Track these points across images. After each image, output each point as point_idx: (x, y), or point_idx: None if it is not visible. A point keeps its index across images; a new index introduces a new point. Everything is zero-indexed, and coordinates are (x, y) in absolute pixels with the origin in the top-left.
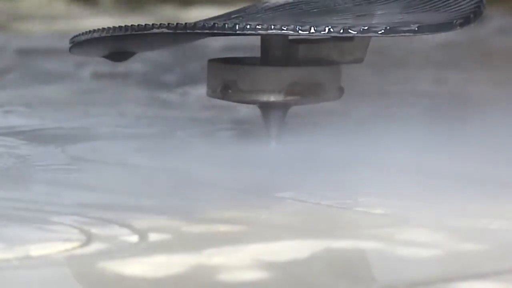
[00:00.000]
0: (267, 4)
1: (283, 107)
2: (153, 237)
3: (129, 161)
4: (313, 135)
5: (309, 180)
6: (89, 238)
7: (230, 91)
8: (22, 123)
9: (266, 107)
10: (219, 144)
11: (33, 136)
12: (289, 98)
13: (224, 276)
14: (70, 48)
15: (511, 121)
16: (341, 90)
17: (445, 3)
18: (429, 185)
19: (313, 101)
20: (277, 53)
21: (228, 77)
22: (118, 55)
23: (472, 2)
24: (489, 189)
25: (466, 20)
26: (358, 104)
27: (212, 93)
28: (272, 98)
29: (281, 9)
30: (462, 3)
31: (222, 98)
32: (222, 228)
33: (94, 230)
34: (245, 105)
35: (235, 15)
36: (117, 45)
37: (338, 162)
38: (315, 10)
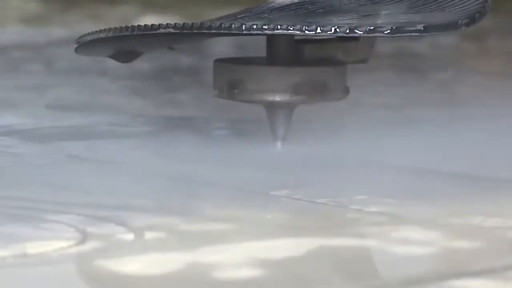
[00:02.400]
0: (273, 4)
1: (289, 106)
2: (148, 235)
3: (125, 159)
4: (309, 134)
5: (304, 178)
6: (85, 236)
7: (236, 90)
8: (19, 122)
9: (272, 107)
10: (215, 143)
11: (30, 135)
12: (295, 97)
13: (219, 274)
14: (76, 49)
15: (504, 121)
16: (346, 90)
17: (450, 3)
18: (423, 183)
19: (319, 100)
20: (283, 53)
21: (234, 77)
22: (125, 56)
23: (477, 2)
24: (483, 187)
25: (472, 20)
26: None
27: (218, 93)
28: (278, 97)
29: (286, 9)
30: (467, 3)
31: (229, 98)
32: (217, 226)
33: (90, 229)
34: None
35: (241, 15)
36: (123, 45)
37: (334, 161)
38: (320, 10)
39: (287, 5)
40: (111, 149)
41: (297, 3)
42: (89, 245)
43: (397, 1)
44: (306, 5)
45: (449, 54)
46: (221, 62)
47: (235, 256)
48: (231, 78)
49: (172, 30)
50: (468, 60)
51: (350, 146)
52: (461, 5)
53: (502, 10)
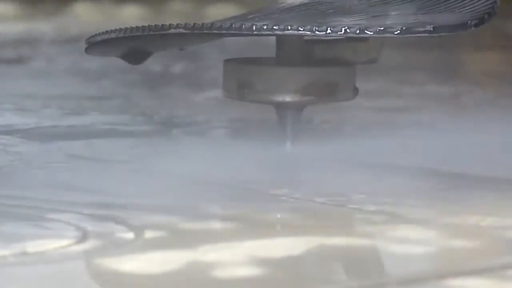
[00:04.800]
0: (283, 5)
1: (299, 107)
2: (148, 234)
3: (125, 159)
4: (308, 134)
5: (303, 178)
6: (85, 235)
7: (246, 91)
8: (19, 121)
9: (281, 107)
10: (214, 142)
11: (30, 134)
12: (304, 98)
13: (219, 273)
14: (86, 49)
15: (503, 120)
16: (355, 90)
17: (459, 3)
18: (421, 183)
19: (328, 101)
20: (292, 54)
21: (244, 78)
22: (135, 56)
23: (487, 3)
24: (481, 187)
25: (481, 21)
26: None
27: (228, 94)
28: (288, 98)
29: (296, 10)
30: (477, 3)
31: (238, 99)
32: (217, 225)
33: (90, 227)
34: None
35: (251, 16)
36: (134, 46)
37: (334, 160)
38: (330, 10)
39: (297, 6)
40: (111, 148)
41: (307, 3)
42: (89, 244)
43: (407, 2)
44: (316, 6)
45: None
46: (230, 62)
47: (235, 255)
48: (240, 78)
49: (182, 30)
50: None
51: (351, 146)
52: (470, 6)
53: None
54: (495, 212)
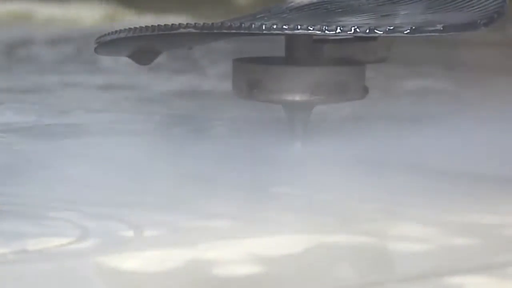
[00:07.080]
0: (292, 4)
1: (308, 106)
2: (148, 232)
3: (125, 157)
4: (308, 132)
5: (303, 175)
6: (85, 233)
7: (255, 90)
8: (19, 120)
9: (291, 107)
10: (213, 141)
11: (31, 133)
12: (314, 97)
13: (219, 270)
14: (96, 48)
15: (502, 118)
16: (365, 90)
17: (468, 3)
18: (421, 180)
19: (338, 100)
20: (302, 53)
21: (253, 77)
22: (144, 55)
23: (495, 2)
24: (481, 185)
25: (490, 20)
26: None
27: (237, 93)
28: (297, 97)
29: (305, 9)
30: (485, 3)
31: (248, 98)
32: (217, 222)
33: (90, 225)
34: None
35: (261, 15)
36: (143, 45)
37: (332, 158)
38: (339, 10)
39: (306, 5)
40: (111, 146)
41: (316, 3)
42: (89, 242)
43: (415, 1)
44: (325, 5)
45: None
46: (240, 62)
47: (235, 253)
48: (250, 78)
49: (192, 30)
50: None
51: (352, 145)
52: (479, 6)
53: None
54: (495, 210)
